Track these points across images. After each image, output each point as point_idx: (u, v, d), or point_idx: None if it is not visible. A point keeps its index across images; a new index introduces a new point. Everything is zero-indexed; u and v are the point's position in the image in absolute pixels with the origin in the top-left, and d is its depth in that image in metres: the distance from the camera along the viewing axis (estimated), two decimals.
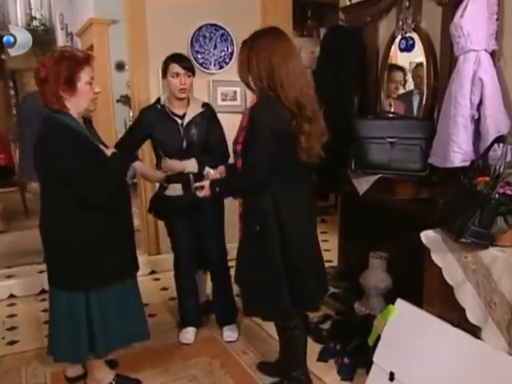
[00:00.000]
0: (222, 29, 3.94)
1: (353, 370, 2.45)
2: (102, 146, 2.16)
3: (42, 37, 8.43)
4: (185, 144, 2.65)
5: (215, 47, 3.96)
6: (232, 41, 3.96)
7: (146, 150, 3.20)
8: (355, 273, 2.96)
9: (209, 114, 2.73)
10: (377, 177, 2.48)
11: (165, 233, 2.94)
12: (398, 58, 2.74)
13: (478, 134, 2.14)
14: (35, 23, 8.75)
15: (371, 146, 2.48)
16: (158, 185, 2.87)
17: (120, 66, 6.31)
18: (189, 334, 2.84)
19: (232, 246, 2.56)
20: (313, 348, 2.68)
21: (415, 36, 2.59)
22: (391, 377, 1.99)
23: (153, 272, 3.99)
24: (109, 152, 2.16)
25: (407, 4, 2.60)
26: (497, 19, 2.11)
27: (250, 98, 3.68)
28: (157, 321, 3.13)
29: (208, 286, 3.10)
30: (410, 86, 2.73)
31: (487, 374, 1.72)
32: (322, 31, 5.62)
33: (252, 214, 2.09)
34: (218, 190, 2.10)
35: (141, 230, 4.05)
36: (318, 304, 2.31)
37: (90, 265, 2.09)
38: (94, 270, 2.10)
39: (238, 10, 3.93)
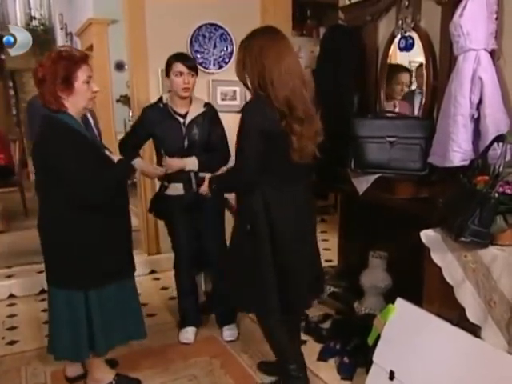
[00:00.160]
0: (222, 28, 3.94)
1: (353, 370, 2.45)
2: (107, 152, 2.18)
3: (42, 37, 8.42)
4: (186, 143, 2.65)
5: (215, 47, 3.96)
6: (231, 40, 3.96)
7: (147, 147, 3.20)
8: (355, 272, 2.96)
9: (210, 114, 2.73)
10: (376, 176, 2.48)
11: (165, 233, 2.94)
12: (398, 57, 2.75)
13: (477, 133, 2.14)
14: (35, 23, 8.74)
15: (371, 146, 2.48)
16: (158, 184, 2.87)
17: (119, 66, 6.31)
18: (189, 334, 2.84)
19: None
20: (313, 347, 2.68)
21: (415, 35, 2.59)
22: (391, 376, 1.99)
23: (153, 272, 3.99)
24: (115, 158, 2.17)
25: (406, 3, 2.60)
26: (496, 18, 2.11)
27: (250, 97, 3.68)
28: (157, 320, 3.13)
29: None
30: (414, 86, 2.74)
31: (487, 373, 1.72)
32: (322, 30, 5.62)
33: (243, 213, 2.12)
34: (214, 187, 2.16)
35: (141, 230, 4.05)
36: (306, 304, 2.33)
37: (89, 264, 2.09)
38: (93, 270, 2.10)
39: (237, 9, 3.93)
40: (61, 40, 7.70)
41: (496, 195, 1.73)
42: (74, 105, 2.04)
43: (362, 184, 2.54)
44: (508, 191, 1.77)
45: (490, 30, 2.09)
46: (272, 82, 1.93)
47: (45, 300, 2.35)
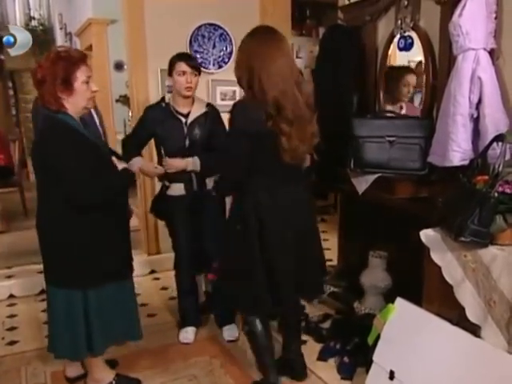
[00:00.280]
0: (221, 28, 3.94)
1: (353, 369, 2.45)
2: (114, 158, 2.19)
3: (41, 37, 8.40)
4: (187, 142, 2.65)
5: (214, 47, 3.96)
6: (231, 40, 3.96)
7: (146, 146, 3.19)
8: (355, 272, 2.96)
9: (213, 115, 2.73)
10: (376, 176, 2.48)
11: (165, 233, 2.94)
12: (397, 57, 2.75)
13: (476, 133, 2.14)
14: (34, 23, 8.72)
15: (370, 145, 2.48)
16: (159, 185, 2.87)
17: (119, 66, 6.31)
18: (188, 334, 2.84)
19: None
20: (313, 347, 2.68)
21: (414, 35, 2.59)
22: (391, 375, 1.99)
23: (153, 272, 3.99)
24: (120, 166, 2.17)
25: (406, 3, 2.60)
26: (495, 18, 2.11)
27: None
28: (157, 320, 3.13)
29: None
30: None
31: (487, 373, 1.72)
32: (321, 30, 5.62)
33: (235, 213, 2.15)
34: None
35: (141, 230, 4.05)
36: (293, 303, 2.30)
37: (88, 264, 2.09)
38: (92, 269, 2.10)
39: (236, 9, 3.93)
40: (60, 40, 7.70)
41: (495, 195, 1.73)
42: (73, 105, 2.05)
43: (362, 184, 2.54)
44: (507, 191, 1.78)
45: (489, 29, 2.09)
46: (260, 82, 1.92)
47: (45, 300, 2.34)
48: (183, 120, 2.66)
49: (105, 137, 3.37)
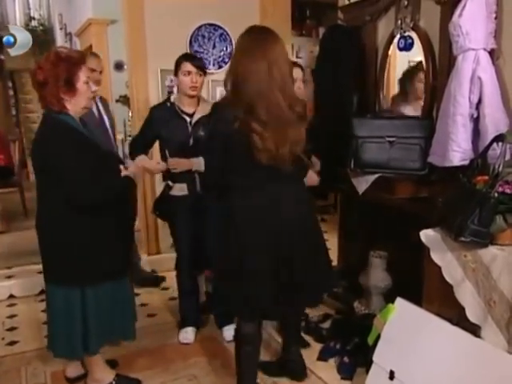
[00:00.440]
0: (221, 28, 3.94)
1: (353, 369, 2.45)
2: (122, 168, 2.20)
3: (41, 37, 8.41)
4: (191, 142, 2.66)
5: (214, 47, 3.96)
6: (231, 40, 3.96)
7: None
8: (355, 272, 2.96)
9: None
10: (376, 176, 2.48)
11: (165, 233, 2.95)
12: (397, 57, 2.74)
13: (477, 133, 2.14)
14: (34, 23, 8.73)
15: (370, 145, 2.48)
16: (159, 185, 2.87)
17: (119, 66, 6.29)
18: (188, 334, 2.84)
19: None
20: (313, 347, 2.69)
21: (414, 35, 2.59)
22: (391, 375, 1.99)
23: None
24: (124, 172, 2.18)
25: (406, 3, 2.60)
26: (495, 18, 2.11)
27: None
28: (157, 321, 3.13)
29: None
30: None
31: (487, 373, 1.72)
32: (321, 30, 5.63)
33: (219, 215, 2.16)
34: None
35: (141, 230, 4.05)
36: (269, 310, 2.07)
37: (88, 264, 2.09)
38: (92, 269, 2.11)
39: (236, 9, 3.92)
40: (60, 40, 7.69)
41: (495, 195, 1.73)
42: (75, 105, 2.06)
43: (362, 184, 2.54)
44: (507, 191, 1.78)
45: (489, 29, 2.09)
46: (236, 83, 1.92)
47: (45, 300, 2.35)
48: (188, 120, 2.68)
49: (113, 125, 3.40)
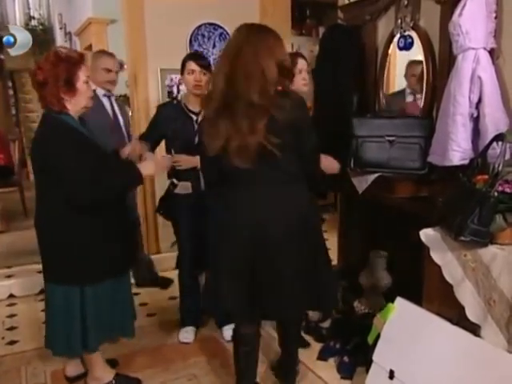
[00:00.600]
0: (221, 28, 3.94)
1: (352, 369, 2.45)
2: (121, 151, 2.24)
3: (41, 36, 8.40)
4: (197, 140, 2.67)
5: (214, 46, 3.97)
6: None
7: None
8: (355, 271, 2.96)
9: None
10: (376, 175, 2.48)
11: (165, 233, 2.95)
12: (397, 56, 2.74)
13: (476, 133, 2.14)
14: (34, 23, 8.73)
15: (370, 145, 2.48)
16: (159, 185, 2.87)
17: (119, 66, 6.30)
18: (188, 334, 2.85)
19: None
20: (313, 347, 2.69)
21: (414, 34, 2.59)
22: (391, 375, 1.99)
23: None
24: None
25: (406, 2, 2.60)
26: (495, 17, 2.11)
27: None
28: (157, 320, 3.13)
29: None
30: None
31: (487, 372, 1.72)
32: (321, 30, 5.63)
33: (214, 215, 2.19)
34: None
35: (141, 230, 4.05)
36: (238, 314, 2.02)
37: (88, 263, 2.10)
38: (91, 268, 2.11)
39: (236, 8, 3.92)
40: (60, 40, 7.69)
41: (495, 194, 1.73)
42: (75, 105, 2.06)
43: (362, 183, 2.54)
44: (507, 190, 1.78)
45: (489, 29, 2.09)
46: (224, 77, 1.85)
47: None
48: (194, 118, 2.70)
49: (128, 127, 3.40)
